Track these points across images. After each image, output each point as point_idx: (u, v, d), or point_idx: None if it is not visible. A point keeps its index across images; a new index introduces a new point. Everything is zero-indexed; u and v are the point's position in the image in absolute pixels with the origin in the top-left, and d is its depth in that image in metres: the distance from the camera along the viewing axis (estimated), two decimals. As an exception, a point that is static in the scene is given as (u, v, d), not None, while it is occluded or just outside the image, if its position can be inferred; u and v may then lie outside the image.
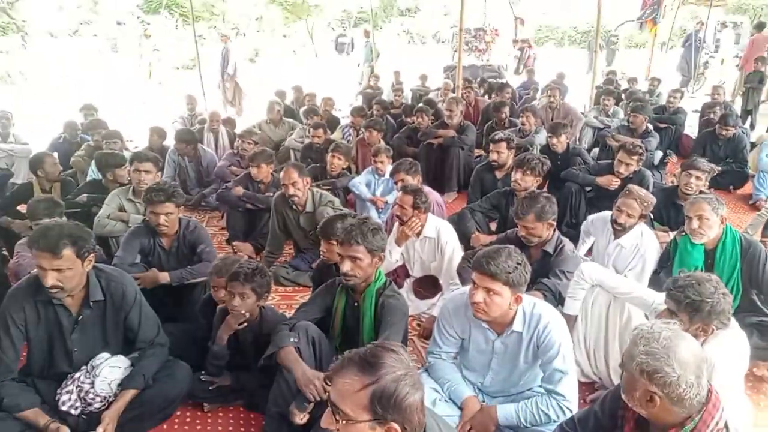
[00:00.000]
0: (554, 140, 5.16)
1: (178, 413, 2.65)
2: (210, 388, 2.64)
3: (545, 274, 2.93)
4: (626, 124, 6.43)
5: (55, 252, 2.20)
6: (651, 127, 6.44)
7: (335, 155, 5.12)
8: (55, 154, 5.11)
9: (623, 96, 8.95)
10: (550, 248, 3.00)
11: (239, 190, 4.64)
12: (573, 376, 2.20)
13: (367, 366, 1.37)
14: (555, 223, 3.03)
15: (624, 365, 1.60)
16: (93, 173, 4.91)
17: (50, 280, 2.23)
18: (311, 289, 3.84)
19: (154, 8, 23.08)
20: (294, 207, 4.06)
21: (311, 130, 6.07)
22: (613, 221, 3.37)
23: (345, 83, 13.66)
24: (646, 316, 2.59)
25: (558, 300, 2.80)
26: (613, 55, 18.22)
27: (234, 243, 4.61)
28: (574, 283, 2.69)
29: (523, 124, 6.20)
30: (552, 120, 7.01)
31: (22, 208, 4.45)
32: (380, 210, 4.89)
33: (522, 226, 2.99)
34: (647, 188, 4.39)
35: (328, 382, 1.45)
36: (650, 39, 16.73)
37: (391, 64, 17.94)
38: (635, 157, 4.39)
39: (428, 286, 3.64)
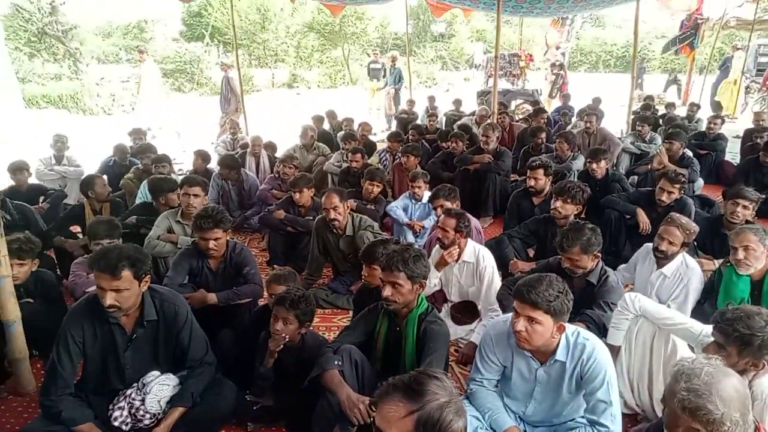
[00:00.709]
0: (594, 166, 5.13)
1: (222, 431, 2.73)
2: (254, 408, 2.71)
3: (588, 304, 2.91)
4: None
5: (115, 273, 2.32)
6: (690, 153, 6.35)
7: (371, 182, 5.22)
8: (105, 177, 5.36)
9: (661, 122, 8.84)
10: (593, 278, 2.98)
11: (281, 214, 4.76)
12: (617, 407, 2.18)
13: (411, 393, 1.41)
14: (600, 255, 3.01)
15: (666, 401, 1.59)
16: (142, 195, 5.13)
17: (109, 299, 2.35)
18: (350, 311, 3.92)
19: (197, 36, 24.01)
20: (334, 231, 4.15)
21: (349, 154, 6.20)
22: (655, 249, 3.33)
23: (379, 108, 13.92)
24: (692, 348, 2.55)
25: (601, 332, 2.77)
26: (675, 82, 17.90)
27: (274, 266, 4.71)
28: (617, 312, 2.67)
29: (556, 150, 6.20)
30: (588, 145, 6.99)
31: (73, 228, 4.69)
32: (417, 234, 4.94)
33: (566, 257, 2.98)
34: (689, 216, 4.34)
35: (373, 407, 1.49)
36: (688, 64, 16.56)
37: (425, 89, 18.21)
38: (677, 185, 4.34)
39: (466, 311, 3.64)
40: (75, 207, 4.87)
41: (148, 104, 12.41)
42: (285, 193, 5.59)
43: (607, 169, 5.29)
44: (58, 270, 4.30)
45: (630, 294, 2.68)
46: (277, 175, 5.98)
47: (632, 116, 8.75)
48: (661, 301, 3.26)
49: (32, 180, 6.05)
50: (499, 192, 5.83)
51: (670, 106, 11.00)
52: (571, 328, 2.23)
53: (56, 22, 19.46)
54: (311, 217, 4.71)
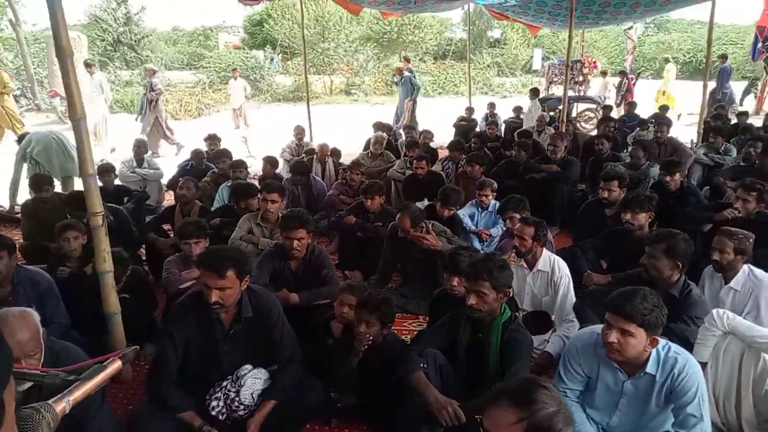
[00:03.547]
0: (668, 178, 5.02)
1: (308, 426, 2.86)
2: (338, 404, 2.84)
3: (671, 318, 2.86)
4: (742, 163, 6.12)
5: (220, 273, 2.50)
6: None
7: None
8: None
9: (737, 131, 8.48)
10: (675, 292, 2.95)
11: (351, 219, 4.91)
12: (707, 422, 2.16)
13: (520, 400, 1.47)
14: (682, 266, 2.97)
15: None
16: (220, 199, 5.39)
17: (214, 297, 2.52)
18: (419, 315, 4.02)
19: (258, 44, 24.84)
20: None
21: (414, 161, 6.29)
22: (712, 262, 3.28)
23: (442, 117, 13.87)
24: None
25: (685, 346, 2.74)
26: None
27: (345, 271, 4.85)
28: (704, 329, 2.64)
29: (631, 157, 6.09)
30: (659, 156, 6.82)
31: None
32: (484, 242, 4.97)
33: (648, 253, 2.97)
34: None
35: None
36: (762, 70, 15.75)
37: (481, 95, 18.14)
38: (754, 194, 4.20)
39: (538, 321, 3.65)
40: (168, 208, 5.19)
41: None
42: (352, 199, 5.75)
43: (681, 181, 5.16)
44: (145, 266, 4.61)
45: (718, 310, 2.65)
46: (344, 181, 6.14)
47: (704, 126, 8.44)
48: (736, 317, 3.19)
49: (116, 182, 6.46)
50: (566, 202, 5.78)
51: (743, 114, 10.53)
52: (662, 341, 2.23)
53: (130, 31, 20.66)
54: (381, 223, 4.83)
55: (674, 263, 2.94)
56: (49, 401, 0.93)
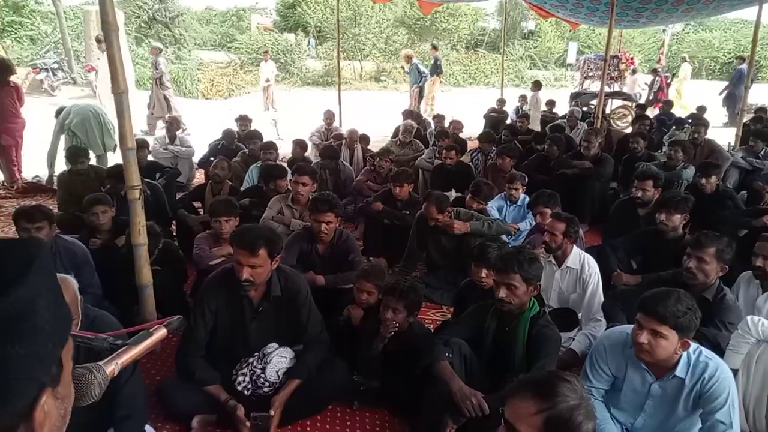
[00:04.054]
0: (703, 181, 4.88)
1: (330, 407, 2.89)
2: (361, 388, 2.86)
3: (702, 322, 2.81)
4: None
5: (252, 250, 2.54)
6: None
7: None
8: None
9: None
10: (709, 295, 2.89)
11: (379, 206, 4.91)
12: (737, 430, 2.13)
13: (542, 392, 1.48)
14: (725, 271, 2.91)
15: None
16: (249, 179, 5.45)
17: (245, 274, 2.56)
18: (443, 306, 4.02)
19: (291, 27, 24.86)
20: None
21: (444, 151, 6.25)
22: (754, 268, 3.19)
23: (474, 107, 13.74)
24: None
25: (715, 351, 2.69)
26: None
27: (370, 258, 4.86)
28: (737, 335, 2.58)
29: (670, 158, 5.96)
30: (695, 157, 6.64)
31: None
32: (512, 236, 4.93)
33: (696, 257, 2.89)
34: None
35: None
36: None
37: (513, 87, 17.87)
38: None
39: (564, 318, 3.61)
40: (199, 186, 5.28)
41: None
42: (380, 186, 5.76)
43: (717, 184, 5.03)
44: (176, 241, 4.69)
45: (753, 317, 2.59)
46: (372, 168, 6.14)
47: (743, 129, 8.19)
48: (773, 326, 3.10)
49: (149, 157, 6.56)
50: (597, 199, 5.69)
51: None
52: (693, 345, 2.19)
53: (165, 9, 20.85)
54: (408, 212, 4.83)
55: (723, 267, 2.90)
56: (99, 363, 0.96)
